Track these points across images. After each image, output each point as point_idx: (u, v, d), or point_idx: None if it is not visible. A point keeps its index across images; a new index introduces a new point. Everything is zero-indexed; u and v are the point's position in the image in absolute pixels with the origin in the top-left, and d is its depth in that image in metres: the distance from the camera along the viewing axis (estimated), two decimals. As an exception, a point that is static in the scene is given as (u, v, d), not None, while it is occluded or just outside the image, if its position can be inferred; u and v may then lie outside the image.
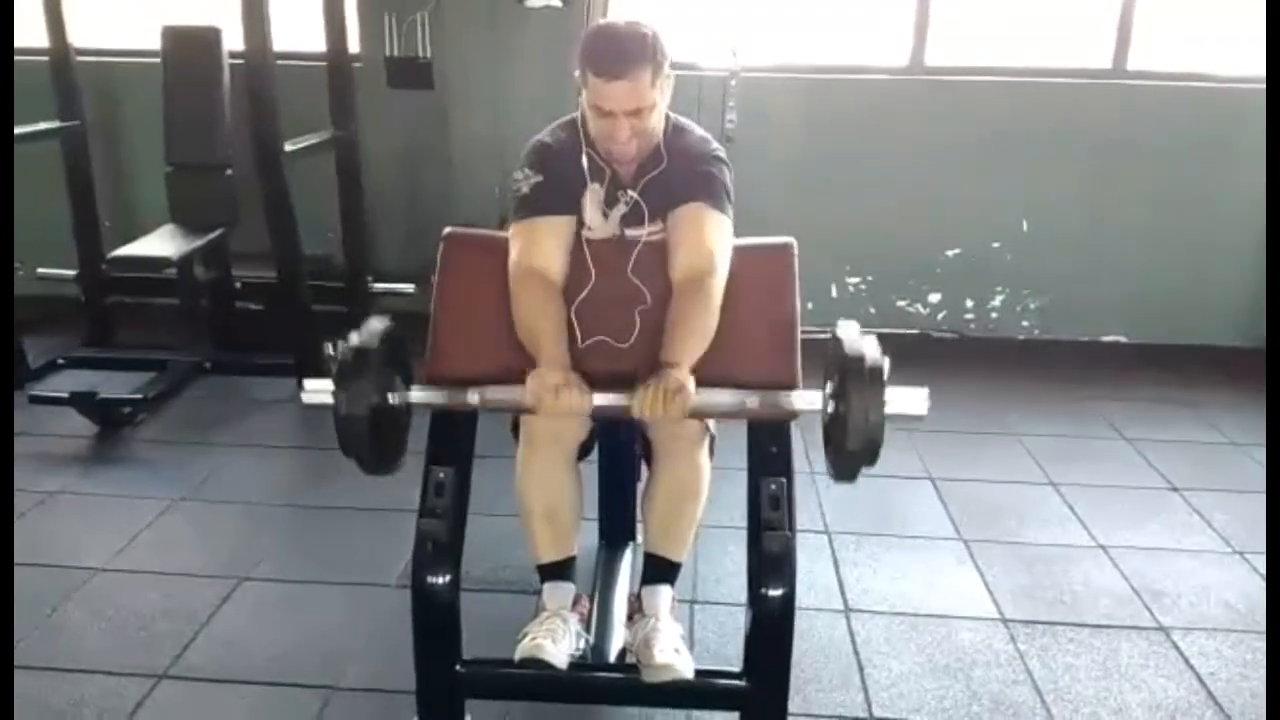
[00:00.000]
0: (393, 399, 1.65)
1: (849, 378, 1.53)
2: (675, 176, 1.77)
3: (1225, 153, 3.91)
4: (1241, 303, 4.07)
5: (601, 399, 1.65)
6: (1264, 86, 3.81)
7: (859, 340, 1.58)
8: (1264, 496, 2.88)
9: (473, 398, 1.69)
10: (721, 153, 1.83)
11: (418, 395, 1.71)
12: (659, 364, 1.66)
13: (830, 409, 1.61)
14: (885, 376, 1.53)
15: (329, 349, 1.62)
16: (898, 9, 3.92)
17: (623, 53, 1.65)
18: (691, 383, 1.63)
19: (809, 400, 1.67)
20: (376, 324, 1.67)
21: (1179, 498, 2.90)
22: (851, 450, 1.53)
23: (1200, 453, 3.20)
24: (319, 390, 1.61)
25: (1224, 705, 2.02)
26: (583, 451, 1.94)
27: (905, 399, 1.55)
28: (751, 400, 1.67)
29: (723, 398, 1.67)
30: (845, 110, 3.96)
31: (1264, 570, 2.50)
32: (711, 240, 1.74)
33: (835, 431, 1.58)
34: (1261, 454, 3.16)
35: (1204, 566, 2.54)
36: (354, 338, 1.62)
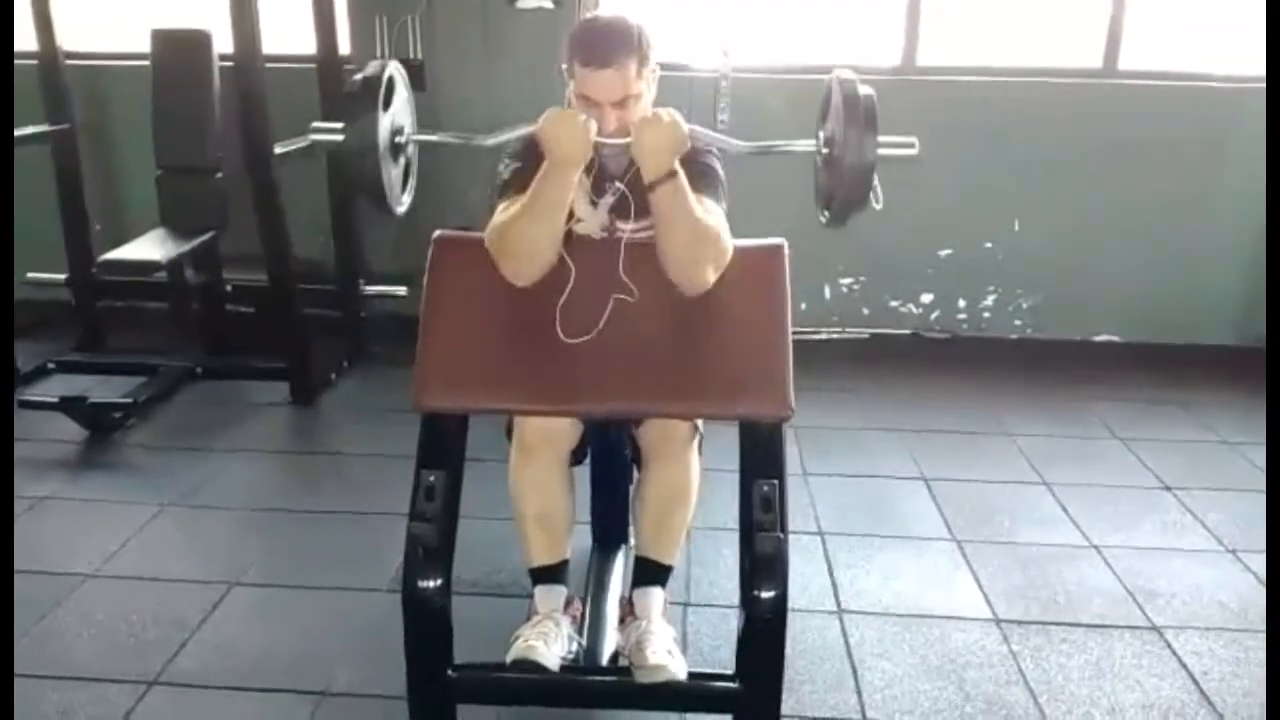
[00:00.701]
0: (399, 139, 1.73)
1: (847, 110, 1.56)
2: None
3: (1217, 152, 3.92)
4: (1234, 302, 4.08)
5: (601, 141, 1.66)
6: (1256, 86, 3.82)
7: (853, 84, 1.61)
8: (1258, 495, 2.89)
9: (480, 139, 1.77)
10: (712, 148, 1.83)
11: (424, 135, 1.81)
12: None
13: (824, 151, 1.65)
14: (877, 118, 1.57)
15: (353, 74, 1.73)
16: (889, 9, 3.93)
17: (609, 42, 1.66)
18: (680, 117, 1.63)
19: (804, 145, 1.71)
20: (383, 63, 1.74)
21: (1172, 497, 2.90)
22: (849, 178, 1.57)
23: (1193, 452, 3.20)
24: (327, 129, 1.70)
25: (1217, 704, 2.02)
26: (576, 458, 1.94)
27: (897, 141, 1.60)
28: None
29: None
30: (837, 111, 3.95)
31: (1257, 569, 2.51)
32: (709, 215, 1.73)
33: (832, 167, 1.62)
34: (1255, 453, 3.16)
35: (1197, 566, 2.54)
36: (359, 74, 1.69)
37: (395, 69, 1.82)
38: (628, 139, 1.65)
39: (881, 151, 1.58)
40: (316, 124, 1.79)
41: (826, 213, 1.74)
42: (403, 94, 1.86)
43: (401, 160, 1.85)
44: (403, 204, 1.88)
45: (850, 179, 1.56)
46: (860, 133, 1.56)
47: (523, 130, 1.76)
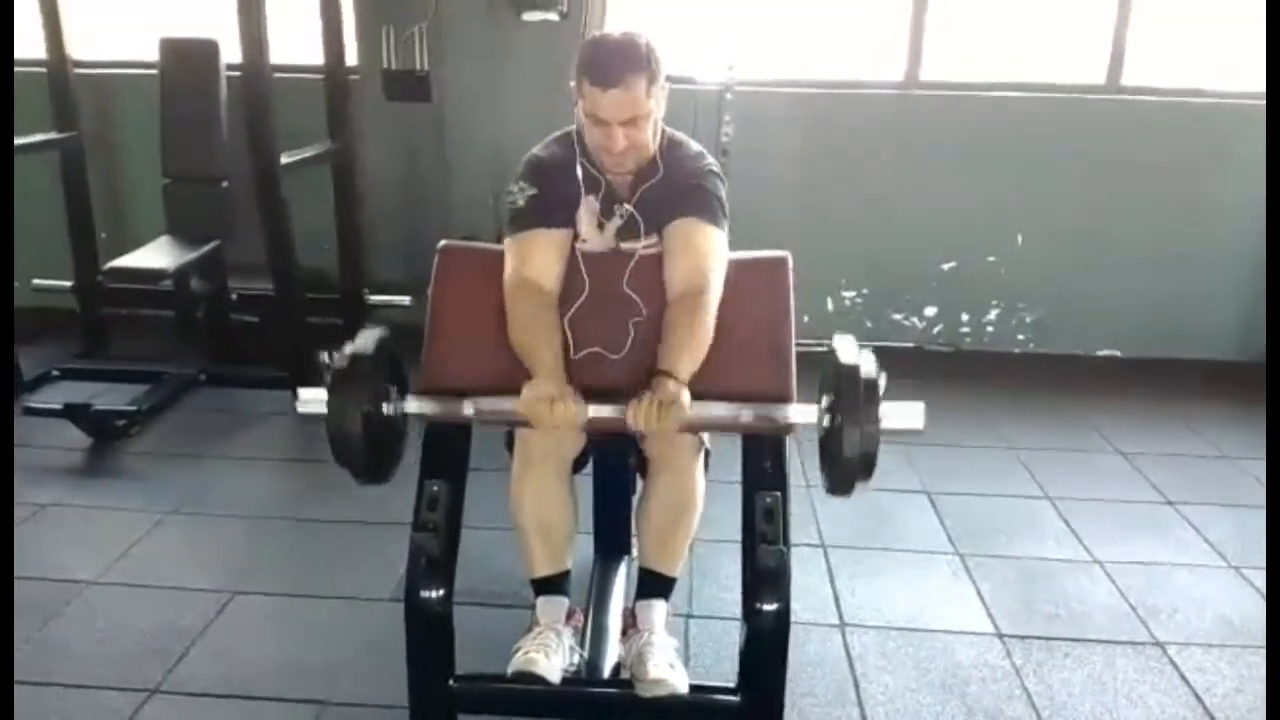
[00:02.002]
0: (387, 409, 1.65)
1: (844, 393, 1.53)
2: (671, 189, 1.78)
3: (1219, 168, 3.93)
4: (1235, 317, 4.08)
5: (596, 410, 1.65)
6: (1257, 102, 3.84)
7: (855, 354, 1.58)
8: (1260, 510, 2.89)
9: (468, 409, 1.69)
10: (716, 167, 1.84)
11: (412, 405, 1.71)
12: (653, 373, 1.66)
13: (826, 423, 1.61)
14: (881, 392, 1.52)
15: (324, 358, 1.62)
16: (893, 24, 3.94)
17: (619, 62, 1.66)
18: (686, 395, 1.63)
19: (804, 414, 1.66)
20: (371, 333, 1.67)
21: (1174, 512, 2.90)
22: (847, 465, 1.53)
23: (1195, 467, 3.20)
24: (313, 399, 1.60)
25: (1219, 721, 2.01)
26: (577, 466, 1.94)
27: (901, 414, 1.55)
28: (746, 414, 1.67)
29: (717, 410, 1.67)
30: (841, 125, 3.97)
31: (1260, 584, 2.50)
32: (707, 255, 1.75)
33: (831, 446, 1.58)
34: (1256, 468, 3.16)
35: (1199, 581, 2.53)
36: (348, 346, 1.62)
37: (382, 342, 1.68)
38: (620, 414, 1.62)
39: (885, 425, 1.51)
40: (302, 393, 1.64)
41: (829, 484, 1.63)
42: (392, 364, 1.71)
43: (388, 432, 1.68)
44: (388, 476, 1.70)
45: (851, 456, 1.51)
46: (861, 411, 1.49)
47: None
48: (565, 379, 1.67)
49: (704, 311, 1.71)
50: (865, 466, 1.52)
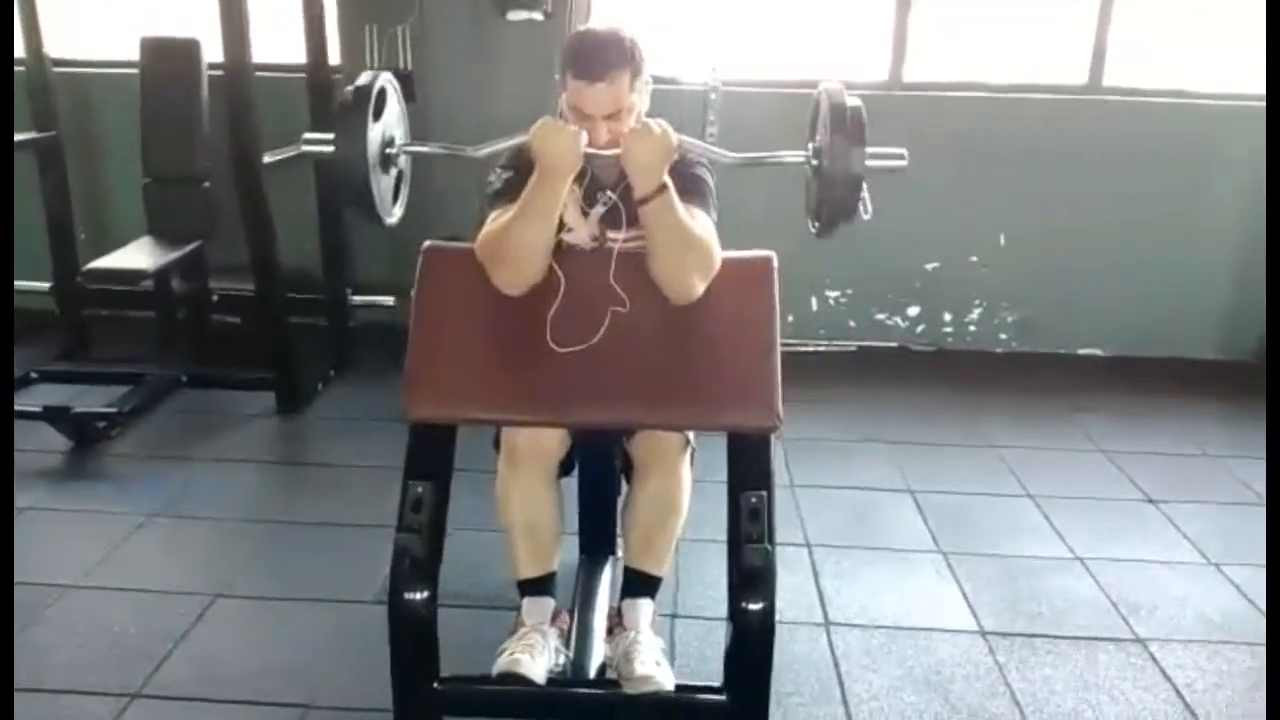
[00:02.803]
0: (391, 150, 1.74)
1: (832, 128, 1.58)
2: None
3: (1201, 168, 3.96)
4: (1217, 316, 4.12)
5: (592, 151, 1.67)
6: (1239, 104, 3.89)
7: (841, 95, 1.63)
8: (1241, 508, 2.93)
9: (471, 150, 1.79)
10: (703, 159, 1.84)
11: (416, 146, 1.81)
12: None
13: (814, 162, 1.67)
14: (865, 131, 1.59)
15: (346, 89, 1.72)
16: (876, 25, 3.96)
17: (603, 56, 1.67)
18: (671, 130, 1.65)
19: (794, 155, 1.72)
20: (377, 74, 1.76)
21: (1155, 510, 2.92)
22: (835, 198, 1.59)
23: (1177, 465, 3.23)
24: (319, 141, 1.70)
25: (1200, 716, 2.03)
26: (564, 469, 1.94)
27: (886, 151, 1.62)
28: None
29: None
30: (825, 125, 3.98)
31: (1240, 581, 2.52)
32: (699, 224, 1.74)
33: (819, 182, 1.64)
34: (1238, 466, 3.19)
35: (1181, 578, 2.56)
36: (357, 80, 1.71)
37: (387, 80, 1.82)
38: (618, 150, 1.67)
39: (870, 163, 1.60)
40: (308, 135, 1.80)
41: (816, 223, 1.77)
42: (395, 106, 1.86)
43: (393, 171, 1.85)
44: (394, 215, 1.89)
45: (839, 189, 1.59)
46: (849, 143, 1.58)
47: (515, 140, 1.77)
48: None
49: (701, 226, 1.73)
50: (854, 196, 1.59)
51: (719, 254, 1.74)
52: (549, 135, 1.65)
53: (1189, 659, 2.22)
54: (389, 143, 1.82)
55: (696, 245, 1.69)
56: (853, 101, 1.65)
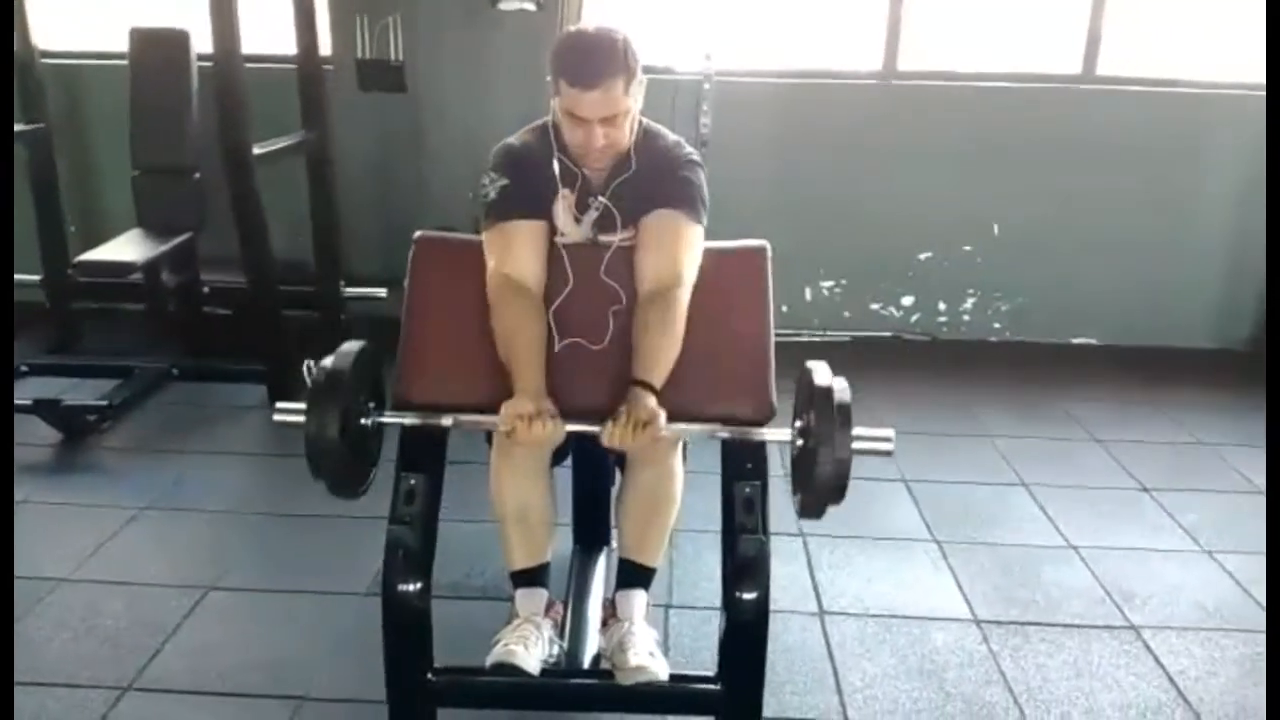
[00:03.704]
0: (365, 422, 1.66)
1: (818, 417, 1.56)
2: (646, 181, 1.77)
3: (1194, 157, 3.96)
4: (1210, 305, 4.13)
5: (574, 428, 1.66)
6: (1232, 93, 3.89)
7: (829, 379, 1.60)
8: (1234, 496, 2.94)
9: (446, 421, 1.69)
10: (695, 156, 1.83)
11: (390, 418, 1.71)
12: (630, 382, 1.66)
13: (799, 444, 1.64)
14: (852, 418, 1.55)
15: (305, 369, 1.63)
16: (871, 15, 3.95)
17: (596, 61, 1.65)
18: (663, 416, 1.63)
19: (778, 435, 1.69)
20: (351, 346, 1.67)
21: (1149, 498, 2.93)
22: (819, 489, 1.56)
23: (1170, 453, 3.23)
24: (291, 411, 1.60)
25: (1193, 703, 2.04)
26: (558, 457, 1.93)
27: (873, 437, 1.57)
28: (721, 433, 1.70)
29: (692, 430, 1.69)
30: (819, 115, 3.97)
31: (1233, 569, 2.53)
32: (679, 251, 1.74)
33: (803, 470, 1.62)
34: (1231, 454, 3.20)
35: (1174, 566, 2.56)
36: (328, 360, 1.62)
37: (362, 352, 1.68)
38: (597, 431, 1.63)
39: (856, 446, 1.53)
40: (280, 405, 1.63)
41: (798, 499, 1.69)
42: (371, 376, 1.72)
43: (365, 442, 1.69)
44: (363, 488, 1.72)
45: (825, 479, 1.54)
46: (835, 434, 1.52)
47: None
48: (545, 392, 1.67)
49: (675, 309, 1.71)
50: (837, 492, 1.56)
51: (694, 274, 1.74)
52: (523, 434, 1.62)
53: (1182, 646, 2.22)
54: (362, 414, 1.67)
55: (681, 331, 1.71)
56: (840, 393, 1.57)
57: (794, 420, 1.67)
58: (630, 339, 1.71)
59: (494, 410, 1.66)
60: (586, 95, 1.64)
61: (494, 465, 1.83)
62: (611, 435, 1.62)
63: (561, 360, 1.74)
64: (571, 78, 1.65)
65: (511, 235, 1.76)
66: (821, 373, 1.63)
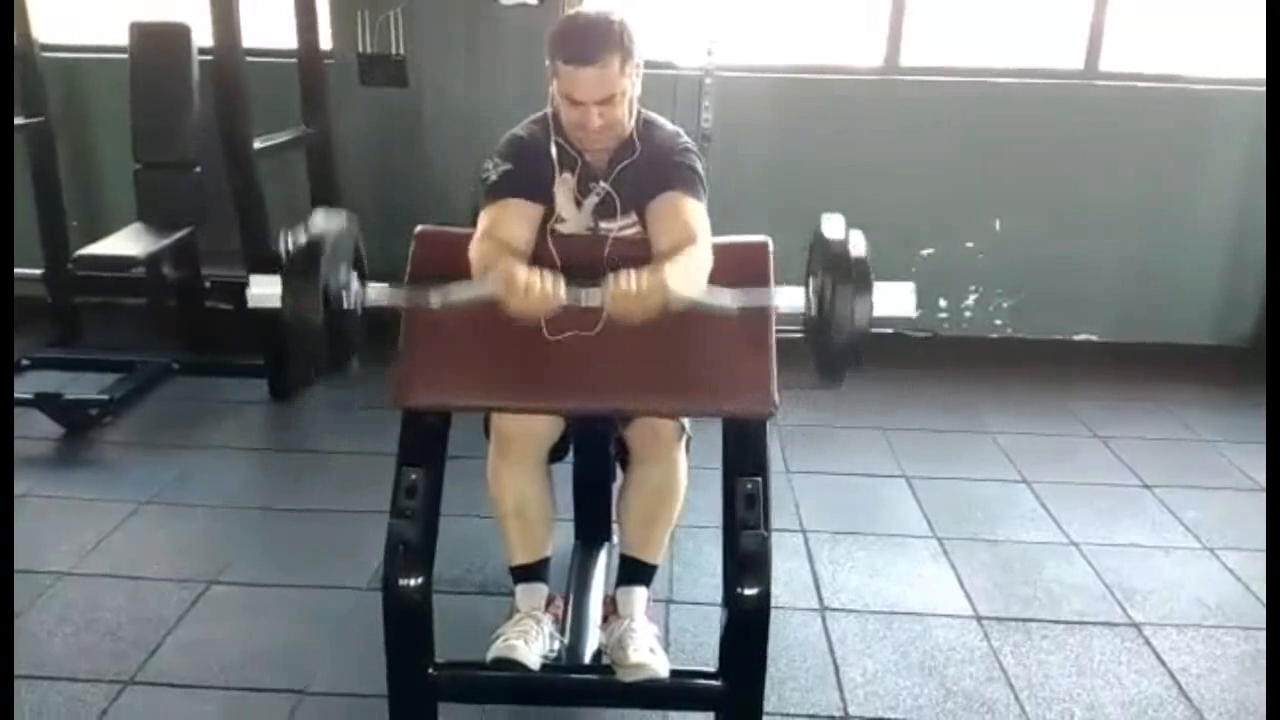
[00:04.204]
0: (346, 300, 1.54)
1: (834, 275, 1.45)
2: (648, 167, 1.76)
3: (1196, 153, 3.95)
4: (1211, 301, 4.12)
5: (573, 293, 1.52)
6: (1236, 89, 3.87)
7: (844, 235, 1.51)
8: (1235, 493, 2.93)
9: (435, 299, 1.56)
10: (692, 145, 1.83)
11: (374, 295, 1.60)
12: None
13: (814, 308, 1.54)
14: (869, 271, 1.45)
15: (280, 240, 1.49)
16: (873, 9, 3.93)
17: (591, 39, 1.64)
18: (671, 279, 1.50)
19: (791, 298, 1.59)
20: (330, 214, 1.56)
21: (1150, 495, 2.92)
22: (837, 351, 1.47)
23: (1171, 450, 3.23)
24: (266, 289, 1.47)
25: (1194, 700, 2.03)
26: (556, 455, 1.93)
27: (893, 298, 1.48)
28: (729, 298, 1.56)
29: (698, 294, 1.55)
30: (821, 110, 3.96)
31: (1234, 566, 2.53)
32: (691, 221, 1.71)
33: (820, 332, 1.51)
34: (1232, 451, 3.19)
35: (1175, 563, 2.56)
36: (304, 229, 1.50)
37: (343, 222, 1.61)
38: (598, 294, 1.51)
39: (877, 313, 1.43)
40: (255, 276, 1.51)
41: (818, 369, 1.60)
42: (351, 247, 1.65)
43: (350, 322, 1.62)
44: (347, 368, 1.65)
45: (842, 345, 1.44)
46: (853, 299, 1.41)
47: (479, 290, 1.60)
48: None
49: (696, 253, 1.62)
50: (855, 355, 1.46)
51: (709, 253, 1.68)
52: (528, 301, 1.49)
53: (1184, 643, 2.22)
54: (344, 291, 1.57)
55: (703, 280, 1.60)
56: (856, 247, 1.49)
57: (806, 279, 1.57)
58: (627, 328, 1.69)
59: (497, 406, 1.64)
60: (582, 73, 1.63)
61: (491, 462, 1.83)
62: (616, 290, 1.47)
63: (557, 351, 1.72)
64: (567, 56, 1.64)
65: (506, 210, 1.73)
66: (835, 226, 1.53)
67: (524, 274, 1.50)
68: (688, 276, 1.55)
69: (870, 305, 1.44)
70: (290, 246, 1.48)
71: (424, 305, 1.57)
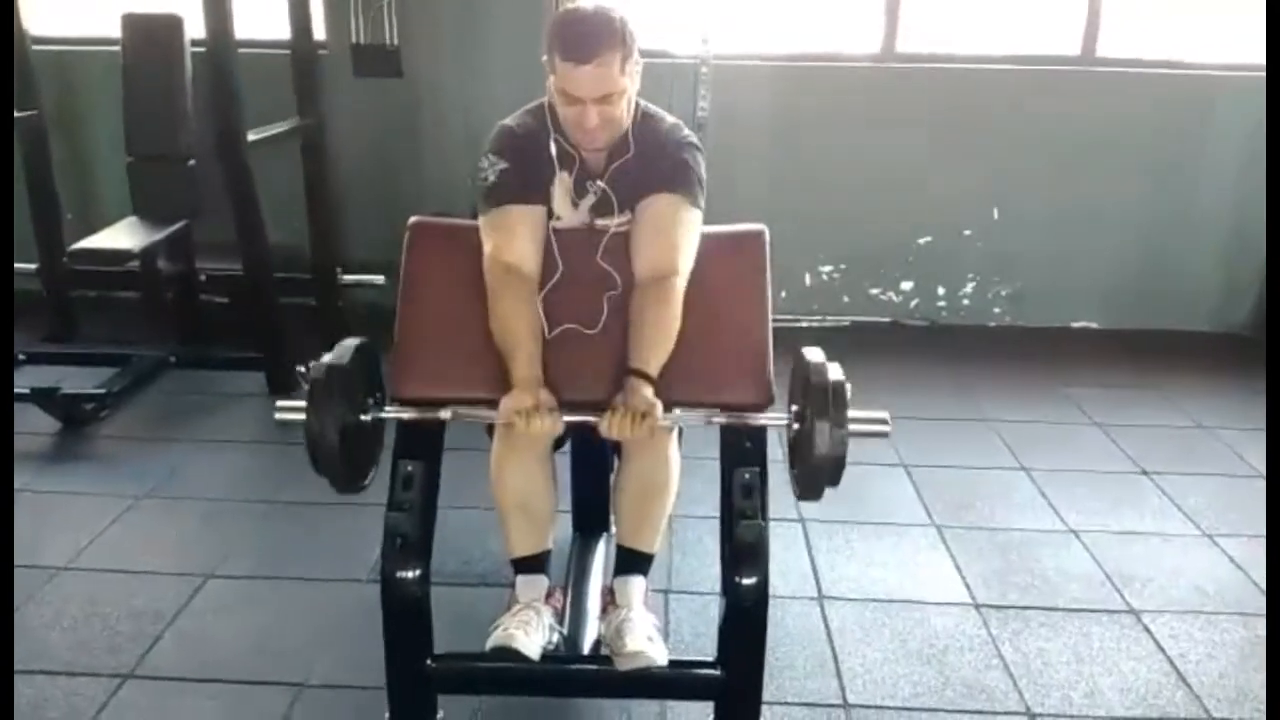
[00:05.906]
0: (365, 418, 1.65)
1: (813, 401, 1.56)
2: (644, 165, 1.75)
3: (1194, 140, 3.94)
4: (1210, 289, 4.12)
5: (571, 419, 1.66)
6: (1233, 74, 3.86)
7: (823, 363, 1.61)
8: (1234, 480, 2.93)
9: (445, 414, 1.68)
10: (693, 139, 1.81)
11: (390, 412, 1.70)
12: (626, 372, 1.65)
13: (795, 428, 1.64)
14: (848, 399, 1.55)
15: (301, 370, 1.63)
16: (869, -4, 3.92)
17: (591, 37, 1.63)
18: (659, 407, 1.63)
19: (774, 420, 1.69)
20: (349, 343, 1.66)
21: (1149, 481, 2.92)
22: (817, 472, 1.57)
23: (1170, 437, 3.23)
24: (291, 410, 1.61)
25: (1193, 686, 2.04)
26: (556, 445, 1.92)
27: (869, 419, 1.58)
28: (718, 419, 1.69)
29: (689, 417, 1.69)
30: (818, 97, 3.95)
31: (1233, 552, 2.53)
32: (677, 237, 1.73)
33: (800, 451, 1.61)
34: (1231, 437, 3.19)
35: (1174, 550, 2.56)
36: (326, 357, 1.62)
37: (361, 348, 1.68)
38: (595, 422, 1.64)
39: (853, 428, 1.55)
40: (281, 403, 1.63)
41: (796, 480, 1.71)
42: (369, 372, 1.71)
43: (365, 438, 1.70)
44: (365, 483, 1.75)
45: (821, 462, 1.56)
46: (832, 424, 1.53)
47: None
48: (541, 383, 1.66)
49: (672, 298, 1.70)
50: (834, 473, 1.57)
51: (691, 260, 1.73)
52: (521, 428, 1.63)
53: (1182, 630, 2.23)
54: (363, 410, 1.67)
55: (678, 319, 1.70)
56: (834, 375, 1.58)
57: (790, 404, 1.67)
58: (625, 324, 1.70)
59: (491, 399, 1.65)
60: (581, 71, 1.62)
61: (496, 453, 1.82)
62: (610, 427, 1.62)
63: (556, 347, 1.73)
64: (566, 53, 1.63)
65: (510, 221, 1.74)
66: (815, 357, 1.63)
67: (524, 417, 1.62)
68: (668, 341, 1.68)
69: (846, 436, 1.55)
70: (312, 373, 1.61)
71: (434, 424, 1.69)
